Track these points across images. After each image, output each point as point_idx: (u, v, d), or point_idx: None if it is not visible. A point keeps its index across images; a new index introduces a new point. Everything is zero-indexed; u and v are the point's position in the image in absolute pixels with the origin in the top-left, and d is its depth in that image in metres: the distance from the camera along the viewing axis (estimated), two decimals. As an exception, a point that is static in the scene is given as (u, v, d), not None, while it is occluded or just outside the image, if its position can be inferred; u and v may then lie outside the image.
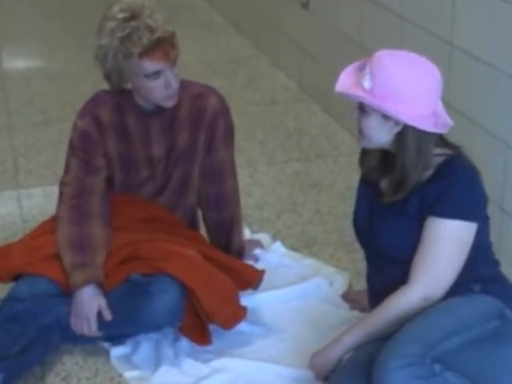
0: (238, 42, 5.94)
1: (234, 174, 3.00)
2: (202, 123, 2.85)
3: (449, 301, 2.30)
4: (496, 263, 2.50)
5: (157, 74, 2.65)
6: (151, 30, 2.60)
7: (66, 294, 2.71)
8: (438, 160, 2.37)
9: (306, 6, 4.79)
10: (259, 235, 3.41)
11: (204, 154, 2.89)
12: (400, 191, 2.38)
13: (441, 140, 2.41)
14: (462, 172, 2.35)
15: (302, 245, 3.40)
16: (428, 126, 2.30)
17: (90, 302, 2.66)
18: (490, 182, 3.14)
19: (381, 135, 2.36)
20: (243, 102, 4.81)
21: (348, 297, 2.98)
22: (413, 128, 2.30)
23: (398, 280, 2.39)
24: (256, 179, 3.97)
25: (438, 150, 2.38)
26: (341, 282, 3.09)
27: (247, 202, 3.60)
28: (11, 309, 2.67)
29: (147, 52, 2.61)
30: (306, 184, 3.91)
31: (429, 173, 2.36)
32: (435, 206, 2.33)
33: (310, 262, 3.23)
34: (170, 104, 2.75)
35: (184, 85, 2.85)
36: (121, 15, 2.63)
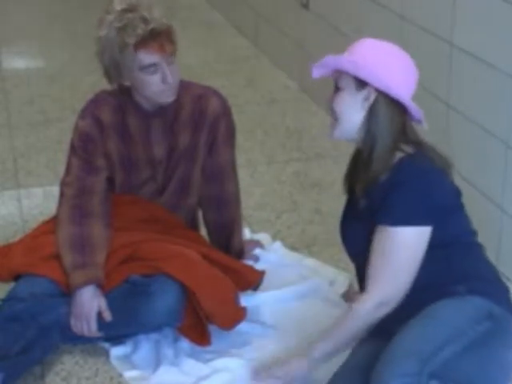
0: (238, 42, 5.94)
1: (234, 175, 3.00)
2: (204, 124, 2.85)
3: (437, 307, 2.26)
4: (482, 257, 2.44)
5: (153, 68, 2.65)
6: (146, 21, 2.62)
7: (66, 294, 2.71)
8: (396, 158, 2.33)
9: (306, 5, 4.79)
10: (259, 235, 3.41)
11: (205, 155, 2.89)
12: (364, 185, 2.36)
13: (408, 138, 2.37)
14: (407, 173, 2.30)
15: (302, 245, 3.40)
16: (401, 95, 2.28)
17: (90, 303, 2.66)
18: (490, 182, 3.15)
19: (352, 113, 2.34)
20: (243, 102, 4.82)
21: (348, 297, 2.98)
22: (385, 99, 2.29)
23: None
24: (256, 179, 3.97)
25: (403, 147, 2.34)
26: (341, 282, 3.09)
27: (247, 202, 3.60)
28: (11, 309, 2.66)
29: (142, 43, 2.62)
30: (306, 184, 3.91)
31: (386, 166, 2.32)
32: (381, 213, 2.30)
33: (310, 262, 3.23)
34: (168, 100, 2.74)
35: (185, 86, 2.85)
36: (119, 7, 2.67)
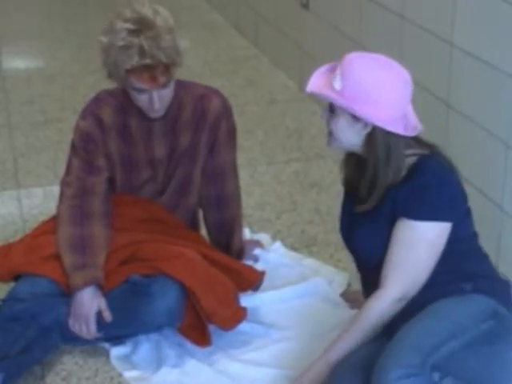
0: (238, 42, 5.94)
1: (235, 175, 3.00)
2: (205, 125, 2.85)
3: (442, 304, 2.29)
4: (485, 257, 2.49)
5: (142, 90, 2.65)
6: (142, 54, 2.56)
7: (67, 294, 2.71)
8: (411, 161, 2.36)
9: (306, 5, 4.79)
10: (259, 235, 3.41)
11: (206, 155, 2.89)
12: (372, 195, 2.38)
13: (415, 140, 2.40)
14: (431, 172, 2.34)
15: (301, 245, 3.40)
16: (398, 129, 2.31)
17: (89, 304, 2.66)
18: (490, 182, 3.15)
19: (350, 136, 2.37)
20: (243, 102, 4.82)
21: (347, 296, 2.98)
22: (382, 130, 2.30)
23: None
24: (256, 179, 3.97)
25: (411, 151, 2.38)
26: (340, 281, 3.09)
27: (247, 202, 3.60)
28: (11, 309, 2.66)
29: (134, 72, 2.60)
30: (305, 184, 3.91)
31: (401, 174, 2.35)
32: (406, 208, 2.33)
33: (309, 262, 3.23)
34: (153, 116, 2.75)
35: (187, 86, 2.85)
36: (127, 25, 2.59)
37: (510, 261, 3.11)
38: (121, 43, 2.59)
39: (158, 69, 2.60)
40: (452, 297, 2.30)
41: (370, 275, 2.47)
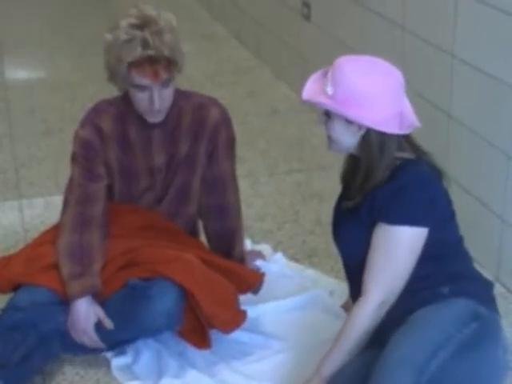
0: (239, 53, 5.95)
1: (235, 185, 3.00)
2: (204, 134, 2.85)
3: (425, 313, 2.28)
4: (469, 259, 2.48)
5: (143, 88, 2.66)
6: (146, 45, 2.58)
7: (66, 302, 2.70)
8: (394, 164, 2.38)
9: (307, 17, 4.81)
10: (260, 246, 3.41)
11: (205, 164, 2.89)
12: (363, 192, 2.39)
13: (409, 144, 2.41)
14: (411, 176, 2.34)
15: (302, 256, 3.40)
16: (392, 128, 2.32)
17: (85, 316, 2.66)
18: (491, 193, 3.15)
19: (347, 138, 2.38)
20: (245, 113, 4.82)
21: (348, 307, 2.97)
22: (376, 130, 2.32)
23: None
24: (257, 190, 3.97)
25: (400, 154, 2.39)
26: (341, 292, 3.09)
27: (248, 213, 3.60)
28: (11, 318, 2.66)
29: (136, 65, 2.61)
30: (307, 194, 3.91)
31: (385, 176, 2.36)
32: (384, 212, 2.34)
33: (310, 273, 3.23)
34: (153, 120, 2.75)
35: (187, 95, 2.86)
36: (132, 20, 2.63)
37: (511, 271, 3.11)
38: (124, 37, 2.61)
39: (160, 63, 2.61)
40: (432, 303, 2.30)
41: (355, 278, 2.47)
